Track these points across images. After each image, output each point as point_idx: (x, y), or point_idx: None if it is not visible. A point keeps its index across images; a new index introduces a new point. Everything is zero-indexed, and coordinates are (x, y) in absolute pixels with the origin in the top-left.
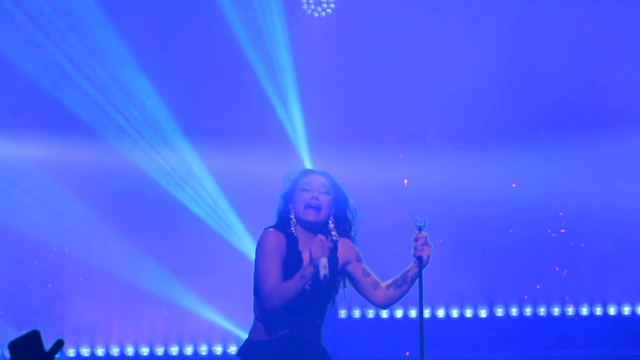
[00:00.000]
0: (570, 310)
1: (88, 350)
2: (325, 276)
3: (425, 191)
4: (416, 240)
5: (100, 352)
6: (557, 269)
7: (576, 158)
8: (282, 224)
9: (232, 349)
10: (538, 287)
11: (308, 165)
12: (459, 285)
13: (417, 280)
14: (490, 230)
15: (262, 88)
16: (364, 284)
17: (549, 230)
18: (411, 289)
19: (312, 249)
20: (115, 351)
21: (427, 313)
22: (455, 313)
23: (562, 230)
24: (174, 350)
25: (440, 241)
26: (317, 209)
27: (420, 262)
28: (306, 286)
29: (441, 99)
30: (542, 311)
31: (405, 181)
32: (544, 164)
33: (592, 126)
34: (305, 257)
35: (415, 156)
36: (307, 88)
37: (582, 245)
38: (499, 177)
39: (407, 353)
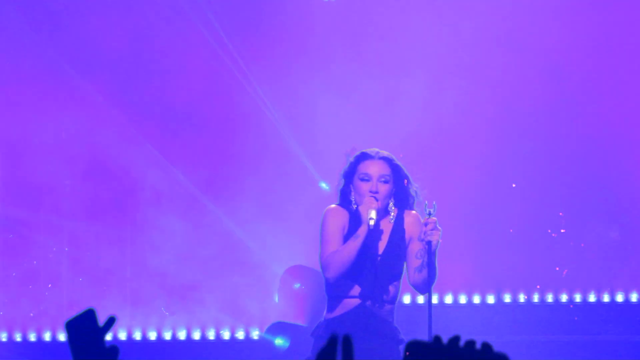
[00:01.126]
0: (577, 297)
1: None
2: (372, 223)
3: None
4: (426, 224)
5: (122, 336)
6: (557, 268)
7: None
8: (343, 203)
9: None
10: (538, 287)
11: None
12: (468, 272)
13: (428, 264)
14: (498, 219)
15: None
16: (412, 264)
17: (549, 230)
18: (433, 272)
19: (360, 208)
20: (137, 335)
21: (435, 299)
22: (463, 299)
23: (562, 230)
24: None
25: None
26: (376, 200)
27: (430, 247)
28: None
29: (442, 98)
30: (549, 297)
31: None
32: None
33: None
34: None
35: (417, 154)
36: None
37: (582, 245)
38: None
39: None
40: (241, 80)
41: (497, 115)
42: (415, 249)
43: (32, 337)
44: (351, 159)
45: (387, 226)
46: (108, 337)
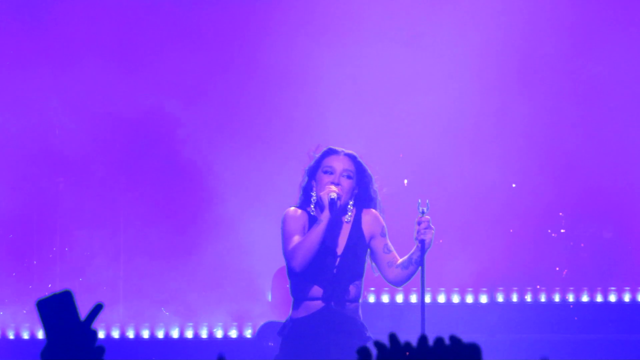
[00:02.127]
0: (570, 297)
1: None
2: (334, 199)
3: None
4: (419, 223)
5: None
6: (557, 269)
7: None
8: (304, 201)
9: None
10: (538, 287)
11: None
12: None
13: (419, 263)
14: (493, 218)
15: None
16: (382, 260)
17: (549, 231)
18: (417, 270)
19: (320, 194)
20: (131, 333)
21: (428, 298)
22: (456, 298)
23: (562, 231)
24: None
25: (440, 241)
26: (338, 196)
27: (423, 246)
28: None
29: (443, 97)
30: (542, 297)
31: (405, 181)
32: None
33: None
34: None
35: (417, 153)
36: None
37: (582, 245)
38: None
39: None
40: (243, 78)
41: (497, 115)
42: (380, 244)
43: (26, 335)
44: (316, 155)
45: (345, 226)
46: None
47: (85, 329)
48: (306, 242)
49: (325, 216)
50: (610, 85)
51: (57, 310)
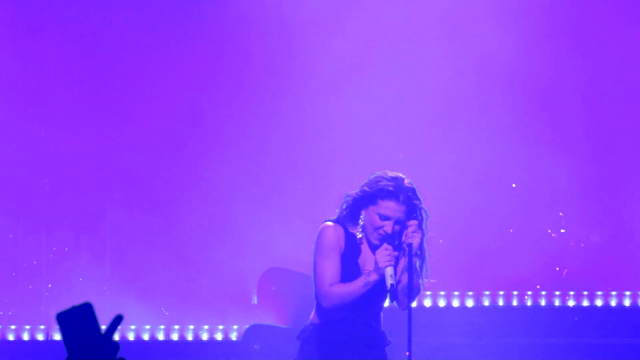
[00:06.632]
0: (556, 301)
1: None
2: (392, 285)
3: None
4: (407, 227)
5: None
6: (557, 269)
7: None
8: (346, 216)
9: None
10: (538, 286)
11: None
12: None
13: (408, 269)
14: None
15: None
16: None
17: (549, 231)
18: (415, 280)
19: (377, 257)
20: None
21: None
22: (442, 302)
23: (562, 231)
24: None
25: (440, 241)
26: (385, 238)
27: (410, 250)
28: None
29: (443, 96)
30: (529, 302)
31: (401, 155)
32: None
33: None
34: (364, 253)
35: (417, 153)
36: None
37: (582, 245)
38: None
39: (407, 353)
40: (234, 76)
41: (497, 115)
42: (402, 262)
43: (26, 337)
44: (376, 186)
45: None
46: None
47: (107, 342)
48: (346, 295)
49: (373, 279)
50: (613, 83)
51: (77, 322)
